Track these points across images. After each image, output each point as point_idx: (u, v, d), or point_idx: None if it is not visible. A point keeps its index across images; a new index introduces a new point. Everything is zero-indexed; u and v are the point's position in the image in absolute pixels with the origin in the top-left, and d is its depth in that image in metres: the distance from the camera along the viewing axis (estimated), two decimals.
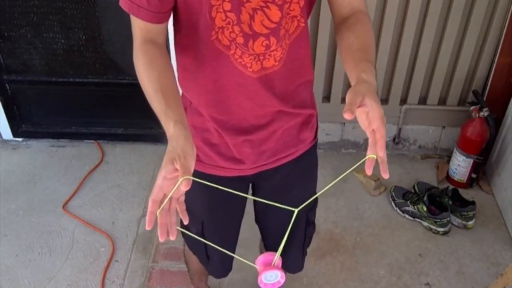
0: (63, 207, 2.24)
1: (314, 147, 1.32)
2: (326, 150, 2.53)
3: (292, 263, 1.50)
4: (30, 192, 2.33)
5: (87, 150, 2.57)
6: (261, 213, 1.43)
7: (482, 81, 2.32)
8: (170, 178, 0.83)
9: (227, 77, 1.07)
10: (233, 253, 1.48)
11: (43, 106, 2.55)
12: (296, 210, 0.92)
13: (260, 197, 1.32)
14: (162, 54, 1.02)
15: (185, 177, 0.79)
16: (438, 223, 2.13)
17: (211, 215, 1.35)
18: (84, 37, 2.30)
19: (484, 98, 2.28)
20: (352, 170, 0.92)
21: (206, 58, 1.05)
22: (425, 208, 2.14)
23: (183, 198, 0.88)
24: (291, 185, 1.31)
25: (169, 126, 0.88)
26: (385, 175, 0.82)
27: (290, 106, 1.15)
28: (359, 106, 0.83)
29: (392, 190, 2.29)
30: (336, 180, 0.89)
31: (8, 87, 2.45)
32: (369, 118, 0.83)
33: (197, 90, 1.13)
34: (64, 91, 2.47)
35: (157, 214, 0.82)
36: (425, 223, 2.17)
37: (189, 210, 1.15)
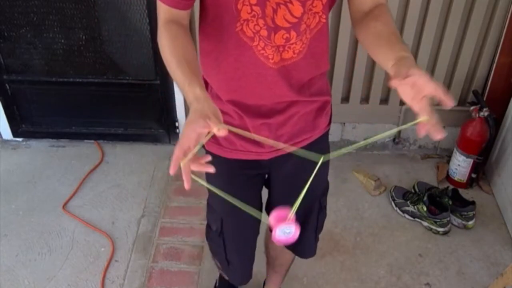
0: (63, 207, 2.24)
1: (327, 133, 1.36)
2: None
3: (305, 248, 1.54)
4: (30, 192, 2.33)
5: (87, 150, 2.57)
6: (281, 198, 1.41)
7: (482, 81, 2.32)
8: (200, 133, 0.85)
9: (248, 67, 1.11)
10: (252, 257, 1.52)
11: (43, 106, 2.55)
12: (321, 158, 0.95)
13: (274, 185, 1.38)
14: (186, 33, 1.06)
15: (221, 127, 0.83)
16: (438, 223, 2.13)
17: (231, 210, 1.34)
18: (84, 37, 2.30)
19: (484, 98, 2.28)
20: (394, 131, 0.96)
21: (230, 47, 1.09)
22: (425, 208, 2.14)
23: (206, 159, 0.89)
24: (304, 171, 1.31)
25: (195, 90, 0.91)
26: (440, 135, 0.86)
27: (307, 95, 1.19)
28: (404, 78, 0.86)
29: (392, 190, 2.29)
30: (392, 132, 0.96)
31: (8, 87, 2.45)
32: (417, 86, 0.86)
33: (219, 76, 1.16)
34: (64, 91, 2.47)
35: (181, 164, 0.85)
36: (425, 223, 2.17)
37: (210, 205, 1.38)
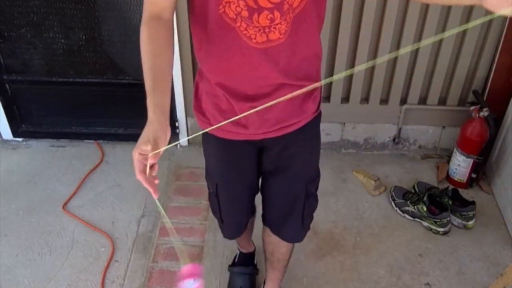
0: (63, 207, 2.24)
1: (316, 119, 1.38)
2: (326, 150, 2.53)
3: (290, 232, 1.57)
4: (30, 192, 2.33)
5: (87, 150, 2.57)
6: (265, 181, 1.50)
7: (482, 81, 2.32)
8: (144, 155, 0.99)
9: (233, 49, 1.14)
10: (246, 219, 1.64)
11: (43, 106, 2.55)
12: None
13: (266, 164, 1.44)
14: (165, 31, 1.12)
15: (153, 153, 0.97)
16: (438, 223, 2.13)
17: (224, 177, 1.47)
18: (84, 37, 2.30)
19: (484, 98, 2.28)
20: None
21: (215, 30, 1.13)
22: (425, 208, 2.14)
23: (155, 172, 1.02)
24: (294, 155, 1.39)
25: (150, 110, 1.05)
26: None
27: (293, 79, 1.21)
28: None
29: (392, 190, 2.29)
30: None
31: (8, 87, 2.46)
32: None
33: (208, 59, 1.21)
34: (64, 91, 2.47)
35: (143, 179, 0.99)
36: (425, 223, 2.17)
37: (207, 171, 1.50)
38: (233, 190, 1.51)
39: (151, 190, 1.00)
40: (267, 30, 1.11)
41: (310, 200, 1.49)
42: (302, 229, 1.57)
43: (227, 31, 1.12)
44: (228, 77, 1.21)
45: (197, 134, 1.18)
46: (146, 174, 0.99)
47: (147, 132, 1.02)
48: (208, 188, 1.56)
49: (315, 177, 1.48)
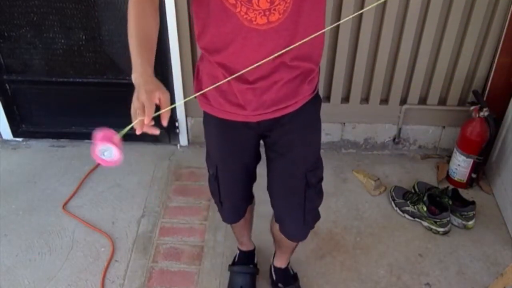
0: (63, 207, 2.24)
1: (314, 103, 1.40)
2: (326, 150, 2.53)
3: (292, 228, 1.58)
4: (30, 192, 2.33)
5: (87, 150, 2.54)
6: (268, 170, 1.52)
7: (482, 81, 2.32)
8: (139, 107, 1.03)
9: (234, 32, 1.18)
10: (244, 204, 1.66)
11: (43, 106, 2.55)
12: None
13: (267, 151, 1.48)
14: (152, 9, 1.16)
15: (140, 119, 1.01)
16: (438, 223, 2.13)
17: (223, 159, 1.51)
18: (84, 37, 2.30)
19: (484, 98, 2.28)
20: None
21: (217, 13, 1.17)
22: (425, 208, 2.14)
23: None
24: (293, 140, 1.42)
25: (135, 75, 1.07)
26: None
27: (290, 59, 1.24)
28: None
29: (392, 190, 2.29)
30: None
31: (8, 87, 2.46)
32: None
33: (208, 40, 1.24)
34: (64, 91, 2.47)
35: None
36: (425, 223, 2.17)
37: (208, 153, 1.54)
38: (231, 173, 1.54)
39: (155, 130, 1.05)
40: (267, 13, 1.14)
41: (310, 192, 1.48)
42: (304, 226, 1.56)
43: (228, 16, 1.15)
44: (228, 59, 1.24)
45: (190, 97, 1.19)
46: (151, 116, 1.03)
47: (136, 93, 1.05)
48: (208, 171, 1.59)
49: (316, 167, 1.48)
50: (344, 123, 2.48)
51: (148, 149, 2.56)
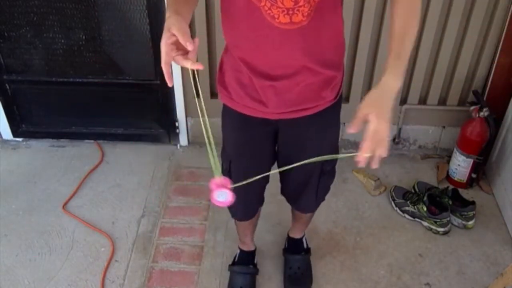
0: (63, 207, 2.24)
1: (334, 108, 1.42)
2: None
3: (304, 203, 1.67)
4: (30, 192, 2.33)
5: (87, 150, 2.57)
6: (283, 158, 1.54)
7: (482, 81, 2.32)
8: (170, 43, 1.02)
9: (257, 27, 1.18)
10: (256, 203, 1.67)
11: (43, 106, 2.55)
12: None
13: (281, 148, 1.50)
14: None
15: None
16: (438, 223, 2.13)
17: (238, 155, 1.51)
18: (84, 37, 2.30)
19: (484, 98, 2.28)
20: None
21: (241, 7, 1.17)
22: (425, 208, 2.14)
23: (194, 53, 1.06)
24: (309, 138, 1.44)
25: (170, 14, 1.05)
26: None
27: (314, 63, 1.25)
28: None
29: (392, 190, 2.29)
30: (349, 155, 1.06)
31: (8, 87, 2.45)
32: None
33: (233, 34, 1.26)
34: (64, 91, 2.47)
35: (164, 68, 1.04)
36: (425, 223, 2.17)
37: (223, 147, 1.53)
38: (246, 168, 1.52)
39: (168, 81, 1.07)
40: (290, 12, 1.13)
41: (325, 177, 1.56)
42: (316, 200, 1.65)
43: (252, 10, 1.15)
44: (250, 54, 1.24)
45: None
46: (169, 67, 1.04)
47: (167, 23, 1.03)
48: (222, 165, 1.57)
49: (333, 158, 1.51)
50: (344, 123, 2.47)
51: (148, 149, 2.56)
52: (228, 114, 1.44)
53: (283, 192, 1.67)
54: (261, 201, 1.71)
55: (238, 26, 1.22)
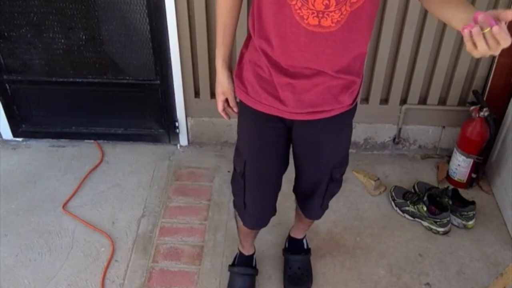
0: (63, 207, 2.24)
1: (350, 113, 1.41)
2: None
3: (310, 210, 1.69)
4: (30, 192, 2.33)
5: (87, 150, 2.57)
6: (298, 160, 1.55)
7: (482, 81, 2.32)
8: (222, 100, 1.47)
9: (284, 24, 1.18)
10: (269, 210, 1.65)
11: (43, 106, 2.55)
12: None
13: (294, 148, 1.50)
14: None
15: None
16: (438, 223, 2.13)
17: (253, 154, 1.49)
18: (84, 37, 2.30)
19: (484, 98, 2.28)
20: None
21: (271, 2, 1.18)
22: (425, 208, 2.14)
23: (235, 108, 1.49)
24: (323, 143, 1.44)
25: (218, 62, 1.42)
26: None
27: (335, 70, 1.25)
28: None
29: (392, 190, 2.29)
30: None
31: (8, 87, 2.45)
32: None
33: (259, 27, 1.26)
34: (64, 91, 2.47)
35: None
36: (425, 223, 2.17)
37: (238, 148, 1.55)
38: (260, 171, 1.52)
39: (225, 117, 1.52)
40: (320, 15, 1.14)
41: (333, 184, 1.58)
42: (321, 209, 1.68)
43: (282, 6, 1.15)
44: (274, 49, 1.24)
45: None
46: (225, 111, 1.50)
47: (218, 82, 1.45)
48: (235, 168, 1.56)
49: (342, 164, 1.54)
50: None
51: (148, 149, 2.56)
52: (244, 111, 1.44)
53: (294, 191, 1.68)
54: (274, 210, 1.67)
55: (265, 21, 1.22)
